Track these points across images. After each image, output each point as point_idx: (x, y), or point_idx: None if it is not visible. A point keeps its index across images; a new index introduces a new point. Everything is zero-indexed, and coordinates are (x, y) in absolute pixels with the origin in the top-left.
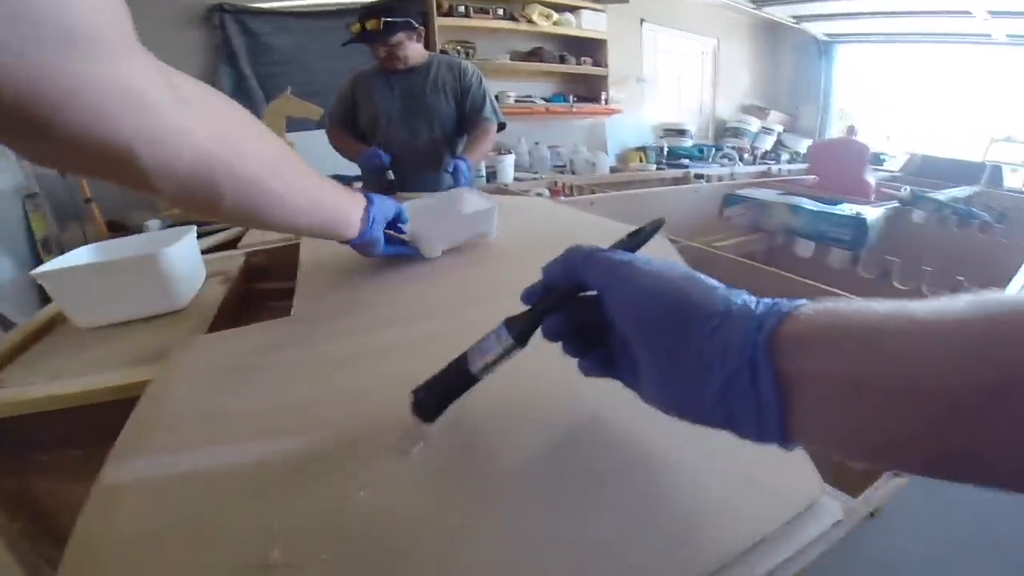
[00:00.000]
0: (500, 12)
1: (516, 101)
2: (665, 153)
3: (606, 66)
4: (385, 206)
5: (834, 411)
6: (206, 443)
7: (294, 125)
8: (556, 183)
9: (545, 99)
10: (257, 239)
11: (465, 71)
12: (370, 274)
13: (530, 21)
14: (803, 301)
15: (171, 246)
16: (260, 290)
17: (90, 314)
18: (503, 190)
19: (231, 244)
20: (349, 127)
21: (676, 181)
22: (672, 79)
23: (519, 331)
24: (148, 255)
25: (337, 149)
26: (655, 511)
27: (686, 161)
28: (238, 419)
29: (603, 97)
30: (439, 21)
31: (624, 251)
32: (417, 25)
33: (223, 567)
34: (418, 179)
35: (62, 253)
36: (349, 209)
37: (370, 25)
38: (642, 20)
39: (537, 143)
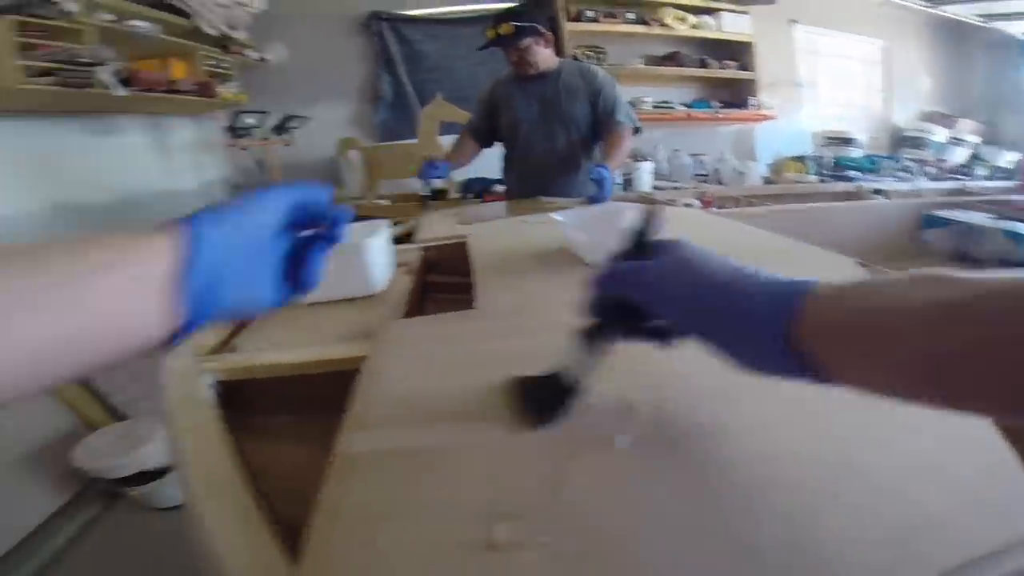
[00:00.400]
0: (630, 16)
1: (654, 107)
2: (828, 164)
3: (753, 70)
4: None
5: (843, 362)
6: (423, 422)
7: (445, 129)
8: (705, 194)
9: (685, 104)
10: (429, 235)
11: (595, 75)
12: (539, 278)
13: (664, 25)
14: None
15: (372, 238)
16: (430, 282)
17: None
18: (648, 199)
19: (406, 238)
20: (484, 134)
21: (848, 196)
22: (834, 83)
23: (588, 344)
24: (354, 244)
25: (452, 152)
26: (873, 521)
27: (854, 173)
28: (448, 401)
29: (752, 102)
30: (568, 27)
31: (642, 261)
32: (544, 30)
33: (449, 542)
34: (557, 184)
35: None
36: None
37: (502, 30)
38: (792, 21)
39: (677, 150)
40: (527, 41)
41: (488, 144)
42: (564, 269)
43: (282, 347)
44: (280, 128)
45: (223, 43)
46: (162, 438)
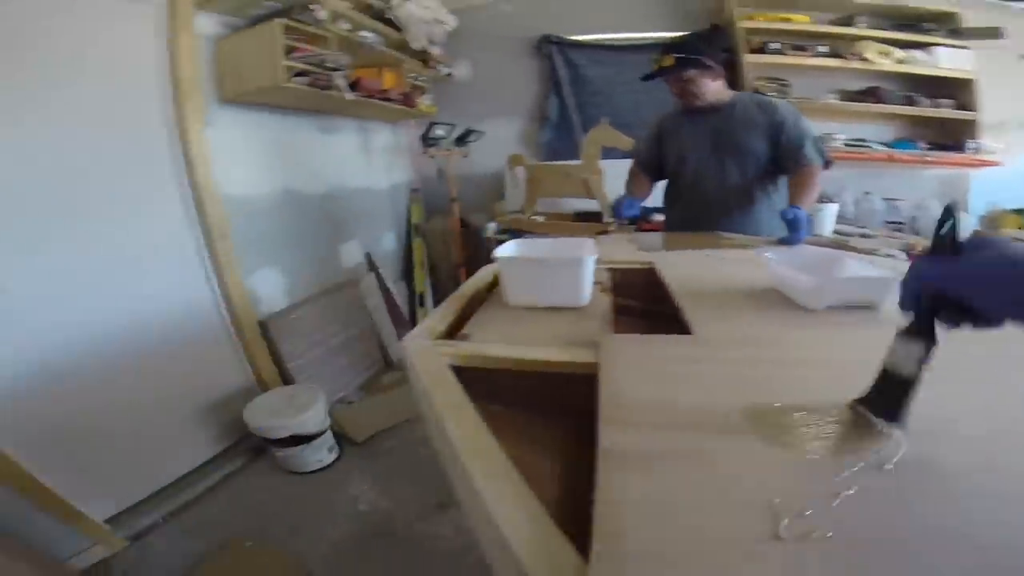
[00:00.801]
0: (823, 50)
1: (846, 144)
2: None
3: (974, 109)
4: None
5: None
6: (676, 427)
7: (606, 153)
8: (913, 246)
9: (885, 144)
10: (613, 256)
11: (775, 107)
12: (755, 314)
13: (863, 59)
14: None
15: (589, 255)
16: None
17: (521, 296)
18: (843, 244)
19: None
20: (655, 168)
21: None
22: None
23: (926, 333)
24: (577, 258)
25: (629, 186)
26: None
27: None
28: (691, 413)
29: (971, 145)
30: (749, 59)
31: (953, 258)
32: (711, 64)
33: (734, 535)
34: (730, 220)
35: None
36: None
37: (664, 62)
38: (1022, 56)
39: (867, 193)
40: (691, 73)
41: (661, 177)
42: (776, 309)
43: (509, 342)
44: (461, 140)
45: (423, 57)
46: (320, 406)
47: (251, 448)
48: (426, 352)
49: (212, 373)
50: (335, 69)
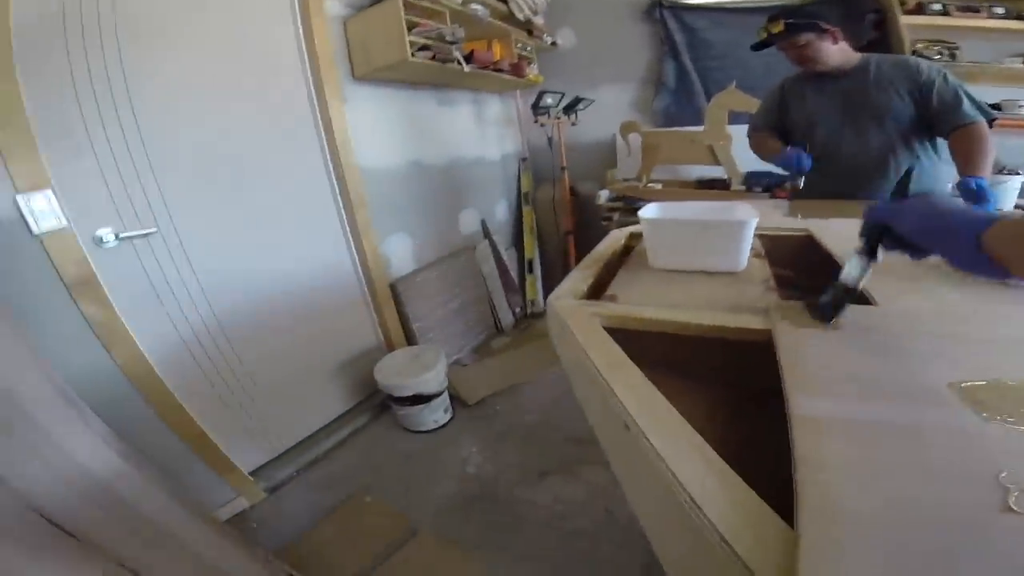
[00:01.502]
0: (999, 11)
1: None
2: None
3: None
4: None
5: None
6: (864, 398)
7: (734, 118)
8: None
9: None
10: (763, 224)
11: (918, 66)
12: (949, 283)
13: None
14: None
15: (752, 218)
16: None
17: (671, 259)
18: None
19: None
20: (781, 134)
21: None
22: None
23: (868, 250)
24: (738, 222)
25: (758, 152)
26: None
27: None
28: (887, 383)
29: None
30: (905, 20)
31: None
32: (827, 27)
33: (958, 505)
34: (873, 187)
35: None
36: None
37: (773, 28)
38: None
39: None
40: (806, 37)
41: (787, 143)
42: (971, 283)
43: (660, 305)
44: (569, 108)
45: (528, 28)
46: (441, 367)
47: (376, 405)
48: (577, 311)
49: (349, 332)
50: (453, 42)
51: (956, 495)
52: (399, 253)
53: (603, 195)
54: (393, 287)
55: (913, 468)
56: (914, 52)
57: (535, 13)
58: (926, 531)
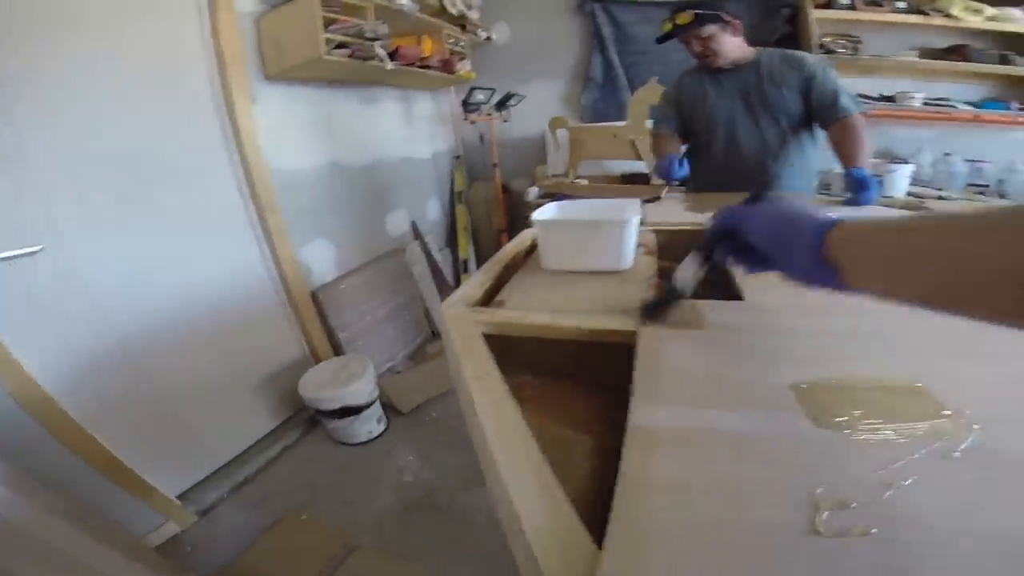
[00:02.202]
0: (901, 5)
1: (925, 103)
2: None
3: None
4: None
5: (866, 274)
6: (714, 405)
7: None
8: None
9: (972, 104)
10: (657, 220)
11: (804, 61)
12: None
13: (948, 16)
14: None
15: (632, 216)
16: (659, 267)
17: (559, 260)
18: (916, 205)
19: None
20: (678, 132)
21: None
22: None
23: (703, 256)
24: (620, 220)
25: (654, 154)
26: None
27: None
28: (735, 388)
29: None
30: (815, 14)
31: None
32: (730, 19)
33: (766, 525)
34: (769, 181)
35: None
36: None
37: (680, 19)
38: None
39: (947, 154)
40: (710, 29)
41: (686, 140)
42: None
43: (546, 309)
44: (501, 104)
45: (461, 22)
46: (369, 377)
47: (307, 420)
48: (461, 319)
49: (269, 346)
50: (374, 39)
51: (767, 515)
52: (320, 260)
53: (532, 192)
54: (315, 296)
55: (732, 484)
56: (821, 46)
57: (469, 7)
58: (729, 555)
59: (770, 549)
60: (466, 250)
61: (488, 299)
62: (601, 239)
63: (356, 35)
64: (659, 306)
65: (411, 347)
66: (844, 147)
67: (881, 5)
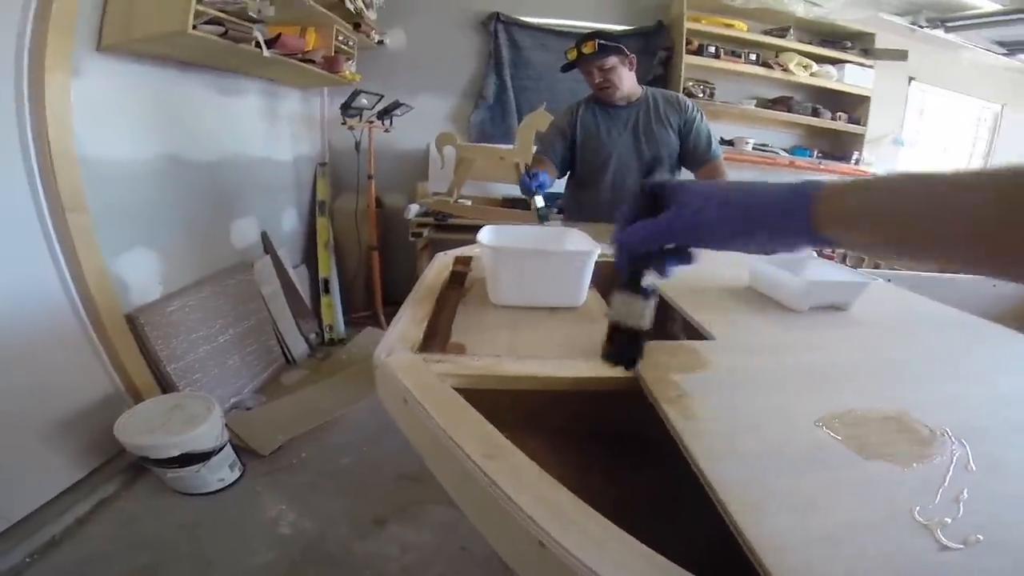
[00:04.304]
0: (753, 57)
1: (754, 148)
2: None
3: (864, 124)
4: None
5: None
6: (768, 449)
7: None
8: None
9: (785, 150)
10: None
11: (685, 105)
12: (755, 317)
13: (785, 70)
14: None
15: (594, 249)
16: None
17: (513, 295)
18: None
19: None
20: (565, 162)
21: None
22: (936, 144)
23: (631, 287)
24: (584, 251)
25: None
26: None
27: None
28: (773, 429)
29: (854, 157)
30: (687, 59)
31: (659, 218)
32: (629, 53)
33: (903, 550)
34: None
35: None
36: None
37: (586, 48)
38: (911, 79)
39: None
40: (611, 61)
41: (565, 172)
42: (768, 310)
43: (513, 354)
44: (385, 113)
45: (355, 20)
46: (215, 419)
47: (129, 467)
48: (415, 370)
49: (64, 380)
50: (256, 21)
51: (897, 542)
52: (140, 273)
53: (413, 209)
54: (132, 319)
55: (849, 522)
56: (684, 89)
57: (368, 6)
58: None
59: (923, 570)
60: (327, 268)
61: (427, 339)
62: (565, 272)
63: (236, 12)
64: (634, 350)
65: (261, 379)
66: None
67: (739, 57)
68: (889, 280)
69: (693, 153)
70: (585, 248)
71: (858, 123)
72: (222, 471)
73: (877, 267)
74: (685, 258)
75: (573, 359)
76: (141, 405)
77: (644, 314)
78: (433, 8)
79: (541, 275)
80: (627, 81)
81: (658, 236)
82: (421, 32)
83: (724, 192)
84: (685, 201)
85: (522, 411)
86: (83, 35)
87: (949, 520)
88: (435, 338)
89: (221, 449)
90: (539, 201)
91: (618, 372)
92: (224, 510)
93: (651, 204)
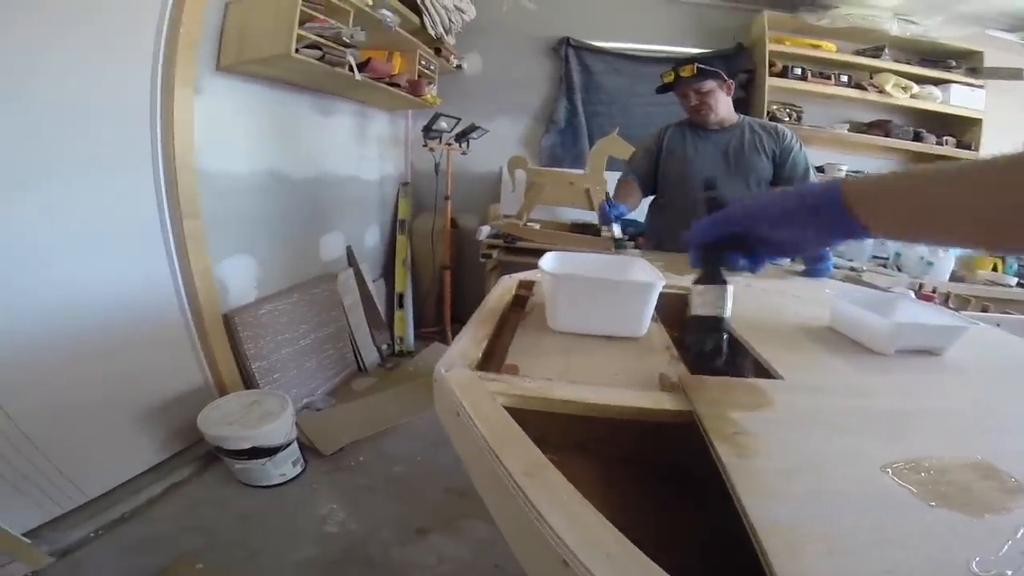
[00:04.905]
0: (844, 79)
1: (848, 175)
2: None
3: (976, 149)
4: None
5: (885, 214)
6: (821, 495)
7: (610, 164)
8: (922, 285)
9: None
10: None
11: (784, 134)
12: (831, 352)
13: (881, 91)
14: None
15: (659, 280)
16: None
17: (572, 321)
18: (856, 279)
19: None
20: (650, 183)
21: None
22: None
23: (705, 278)
24: (647, 283)
25: (617, 194)
26: None
27: None
28: (833, 474)
29: None
30: (771, 82)
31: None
32: (728, 79)
33: None
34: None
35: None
36: None
37: (684, 72)
38: None
39: None
40: (709, 84)
41: (651, 193)
42: (846, 351)
43: (566, 378)
44: (462, 135)
45: (437, 46)
46: (287, 417)
47: (203, 456)
48: (471, 387)
49: (163, 371)
50: (350, 45)
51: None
52: (239, 278)
53: (484, 231)
54: (227, 319)
55: (891, 571)
56: (768, 112)
57: (448, 32)
58: None
59: None
60: (403, 284)
61: (486, 358)
62: (626, 301)
63: (332, 37)
64: (712, 351)
65: (333, 383)
66: None
67: (829, 79)
68: (998, 325)
69: (788, 182)
70: (647, 279)
71: (968, 148)
72: (285, 466)
73: (985, 310)
74: (749, 255)
75: (628, 388)
76: (223, 399)
77: (720, 302)
78: (506, 34)
79: (599, 303)
80: (723, 105)
81: (717, 224)
82: (495, 57)
83: (768, 192)
84: (740, 199)
85: (573, 436)
86: (204, 56)
87: (1010, 573)
88: (493, 358)
89: (288, 446)
90: (616, 231)
91: (672, 404)
92: (280, 504)
93: (715, 209)
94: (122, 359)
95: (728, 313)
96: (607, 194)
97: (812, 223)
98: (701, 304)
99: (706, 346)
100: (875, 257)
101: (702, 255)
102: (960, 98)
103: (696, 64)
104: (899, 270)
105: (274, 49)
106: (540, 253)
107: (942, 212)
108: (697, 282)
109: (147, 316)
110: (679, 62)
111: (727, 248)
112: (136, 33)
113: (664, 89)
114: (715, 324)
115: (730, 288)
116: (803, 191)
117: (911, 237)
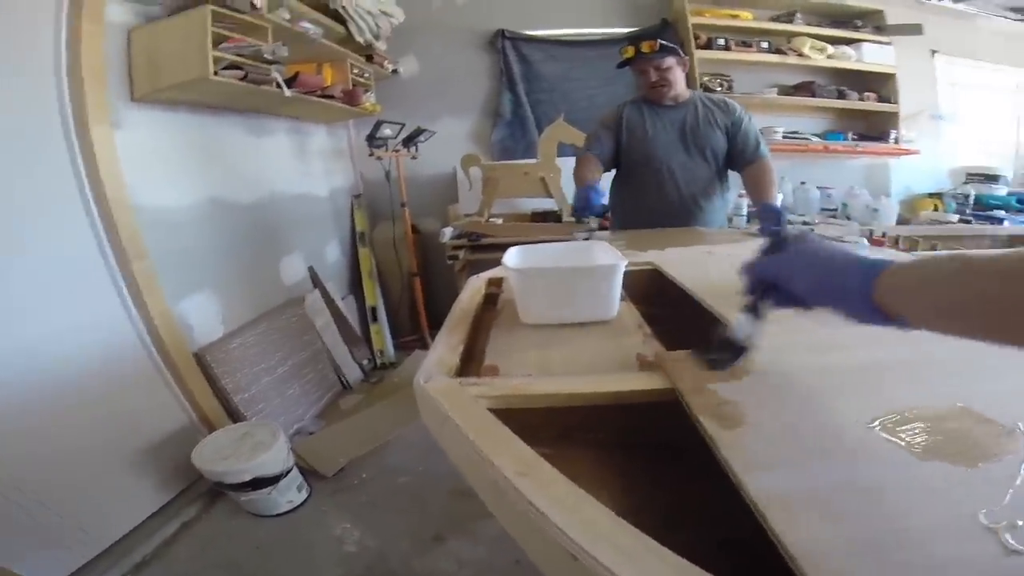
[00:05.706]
0: (764, 45)
1: (784, 137)
2: (971, 202)
3: (896, 102)
4: None
5: (915, 309)
6: (812, 458)
7: (560, 150)
8: (872, 232)
9: (818, 136)
10: None
11: (733, 107)
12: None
13: (800, 55)
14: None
15: (621, 260)
16: None
17: (543, 313)
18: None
19: None
20: (610, 159)
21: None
22: (976, 116)
23: (751, 309)
24: (610, 265)
25: (577, 174)
26: None
27: (1000, 213)
28: (819, 436)
29: (892, 136)
30: (699, 54)
31: (778, 255)
32: (684, 55)
33: (965, 558)
34: (692, 215)
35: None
36: None
37: (646, 47)
38: (933, 51)
39: (803, 183)
40: (669, 61)
41: (611, 168)
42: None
43: (547, 372)
44: (409, 140)
45: (367, 53)
46: (280, 445)
47: (205, 492)
48: (453, 394)
49: (145, 415)
50: (273, 62)
51: (958, 548)
52: (202, 315)
53: (447, 232)
54: (199, 357)
55: (901, 531)
56: (702, 85)
57: (377, 38)
58: None
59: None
60: (373, 297)
61: (465, 362)
62: (592, 287)
63: (252, 56)
64: (729, 361)
65: (319, 405)
66: (760, 185)
67: (751, 46)
68: None
69: (742, 153)
70: (610, 261)
71: (888, 101)
72: (290, 493)
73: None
74: (788, 300)
75: (606, 373)
76: (213, 435)
77: (755, 337)
78: (441, 32)
79: (567, 292)
80: (680, 82)
81: (766, 272)
82: (431, 58)
83: (816, 248)
84: (786, 249)
85: (559, 427)
86: (115, 88)
87: (1021, 523)
88: (471, 362)
89: (288, 472)
90: (594, 224)
91: (653, 383)
92: (294, 530)
93: (777, 246)
94: (102, 408)
95: (755, 345)
96: (583, 179)
97: (842, 306)
98: (739, 331)
99: (725, 366)
100: (824, 210)
101: (754, 288)
102: (872, 55)
103: (658, 40)
104: (848, 219)
105: (190, 73)
106: (506, 247)
107: (999, 308)
108: (743, 310)
109: (115, 363)
110: (637, 37)
111: (772, 290)
112: (30, 72)
113: (623, 64)
114: (740, 351)
115: (760, 324)
116: (844, 268)
117: (962, 333)
